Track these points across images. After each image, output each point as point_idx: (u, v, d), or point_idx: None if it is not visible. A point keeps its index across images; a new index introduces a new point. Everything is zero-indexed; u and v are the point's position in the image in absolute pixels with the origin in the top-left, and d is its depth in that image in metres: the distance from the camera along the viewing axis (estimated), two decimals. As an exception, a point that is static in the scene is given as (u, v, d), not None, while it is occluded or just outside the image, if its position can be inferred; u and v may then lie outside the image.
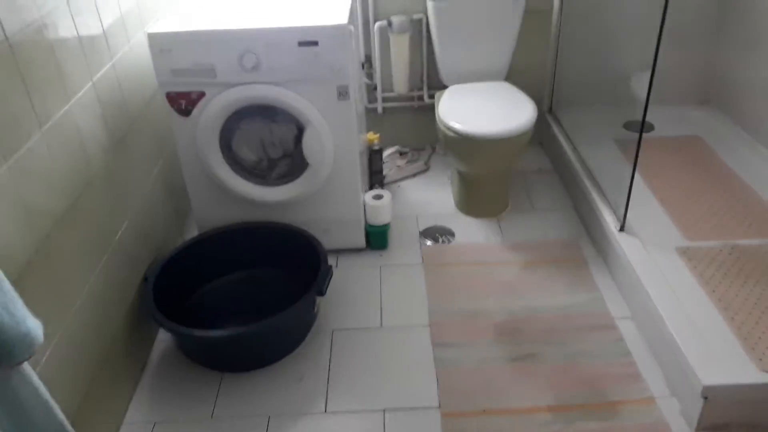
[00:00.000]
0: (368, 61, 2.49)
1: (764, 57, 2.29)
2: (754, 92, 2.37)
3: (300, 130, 1.83)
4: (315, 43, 1.71)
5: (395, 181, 2.49)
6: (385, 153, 2.52)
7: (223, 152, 1.84)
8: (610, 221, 1.92)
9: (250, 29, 1.70)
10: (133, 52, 1.75)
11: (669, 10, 2.37)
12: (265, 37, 1.70)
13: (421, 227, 2.22)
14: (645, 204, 2.11)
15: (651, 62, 1.71)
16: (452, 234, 2.18)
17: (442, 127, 2.11)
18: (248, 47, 1.70)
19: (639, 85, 2.12)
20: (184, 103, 1.78)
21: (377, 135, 2.31)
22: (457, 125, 2.04)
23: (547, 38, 2.52)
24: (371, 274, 2.01)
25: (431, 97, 2.54)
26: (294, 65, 1.73)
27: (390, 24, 2.35)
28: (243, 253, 1.92)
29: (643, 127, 1.77)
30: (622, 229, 1.87)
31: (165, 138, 1.99)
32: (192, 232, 2.10)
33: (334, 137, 1.85)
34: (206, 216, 1.99)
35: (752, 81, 2.38)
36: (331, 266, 1.75)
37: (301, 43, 1.71)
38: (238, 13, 1.86)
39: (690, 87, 2.69)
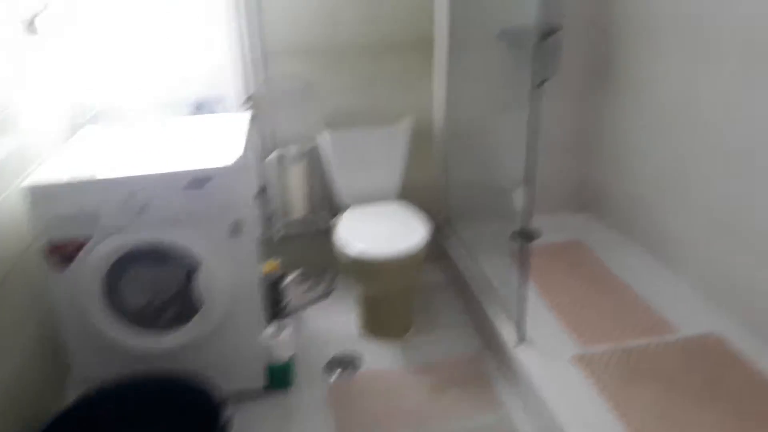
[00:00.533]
0: (264, 189, 2.51)
1: (628, 169, 2.56)
2: (623, 200, 2.62)
3: (192, 270, 1.78)
4: (206, 182, 1.70)
5: (299, 309, 2.46)
6: (287, 279, 2.50)
7: (107, 300, 1.74)
8: (508, 335, 1.97)
9: (137, 176, 1.67)
10: (7, 202, 1.66)
11: (546, 126, 2.61)
12: (152, 181, 1.68)
13: (327, 357, 2.17)
14: (539, 313, 2.19)
15: (529, 175, 1.85)
16: (359, 362, 2.14)
17: (339, 252, 2.14)
18: (134, 192, 1.66)
19: (521, 197, 2.27)
20: (63, 252, 1.68)
21: (277, 262, 2.29)
22: (351, 249, 2.07)
23: (435, 157, 2.68)
24: (274, 422, 1.90)
25: (330, 220, 2.58)
26: (183, 206, 1.70)
27: (285, 153, 2.42)
28: (128, 413, 1.73)
29: (529, 237, 1.88)
30: (520, 341, 1.93)
31: (41, 292, 1.84)
32: (75, 393, 1.90)
33: (228, 275, 1.81)
34: (90, 372, 1.82)
35: (621, 190, 2.63)
36: (227, 421, 1.62)
37: (191, 184, 1.70)
38: (123, 154, 1.83)
39: (569, 195, 2.94)
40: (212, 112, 2.32)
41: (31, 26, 1.90)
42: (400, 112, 2.52)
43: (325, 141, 2.37)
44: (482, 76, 2.55)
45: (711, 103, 2.04)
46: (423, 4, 2.41)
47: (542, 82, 2.38)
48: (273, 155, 2.44)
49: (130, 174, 1.68)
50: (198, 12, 2.26)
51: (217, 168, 1.70)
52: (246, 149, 1.87)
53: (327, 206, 2.59)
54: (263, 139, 2.44)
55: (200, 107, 2.31)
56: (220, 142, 1.87)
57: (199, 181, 1.70)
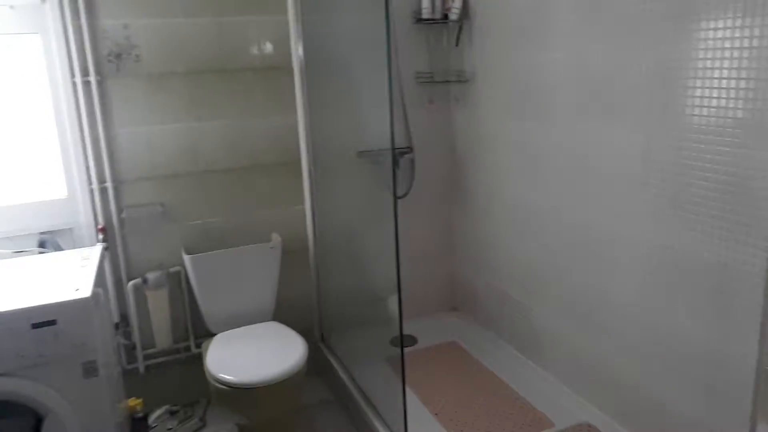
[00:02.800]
0: (124, 320, 2.34)
1: (492, 268, 2.73)
2: (490, 297, 2.77)
3: (39, 420, 1.57)
4: (53, 322, 1.56)
5: (167, 447, 2.23)
6: (153, 416, 2.28)
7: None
8: (393, 448, 1.93)
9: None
10: None
11: (413, 233, 2.73)
12: (-10, 323, 1.51)
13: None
14: (421, 420, 2.18)
15: (396, 283, 1.90)
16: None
17: (211, 380, 2.01)
18: (-35, 338, 1.48)
19: (394, 304, 2.32)
20: None
21: (140, 400, 2.09)
22: (226, 376, 1.96)
23: (307, 272, 2.68)
24: None
25: (198, 346, 2.44)
26: (28, 349, 1.53)
27: (145, 281, 2.30)
28: None
29: (404, 342, 1.91)
30: (405, 454, 1.89)
31: None
32: None
33: (81, 421, 1.62)
34: None
35: (487, 288, 2.79)
36: None
37: (36, 325, 1.54)
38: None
39: (443, 296, 3.05)
40: (59, 244, 2.17)
41: None
42: (270, 229, 2.53)
43: (187, 265, 2.29)
44: (348, 191, 2.66)
45: (544, 208, 2.28)
46: (287, 126, 2.51)
47: (400, 194, 2.54)
48: (132, 284, 2.30)
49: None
50: (45, 142, 2.18)
51: (66, 304, 1.57)
52: (98, 282, 1.76)
53: (195, 333, 2.46)
54: (121, 267, 2.31)
55: (48, 240, 2.16)
56: (70, 277, 1.74)
57: (46, 319, 1.55)
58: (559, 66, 2.10)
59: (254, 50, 2.41)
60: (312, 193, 2.59)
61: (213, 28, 2.32)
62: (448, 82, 2.77)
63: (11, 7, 2.06)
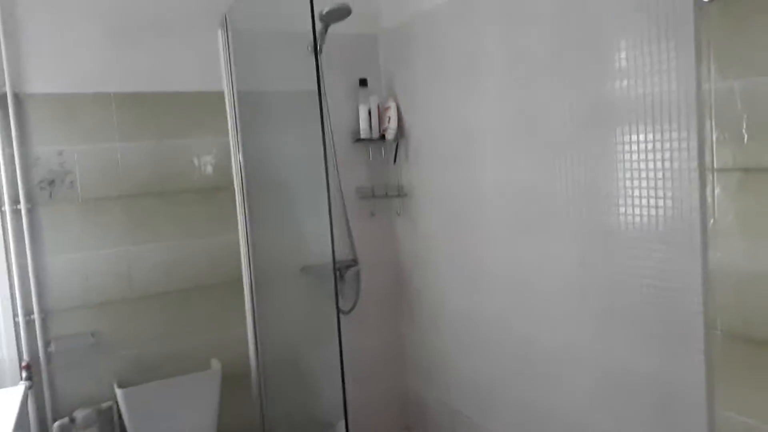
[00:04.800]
0: (46, 466, 2.12)
1: (443, 384, 2.65)
2: (444, 414, 2.67)
3: None
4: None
5: None
6: None
7: None
8: None
9: None
10: None
11: (360, 351, 2.65)
12: None
13: None
14: None
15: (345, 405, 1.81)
16: None
17: None
18: None
19: (342, 429, 2.20)
20: None
21: None
22: None
23: (250, 399, 2.54)
24: None
25: (131, 491, 2.22)
26: None
27: (73, 420, 2.11)
28: None
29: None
30: None
31: None
32: None
33: None
34: None
35: (440, 404, 2.69)
36: None
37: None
38: None
39: (392, 416, 2.92)
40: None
41: None
42: (210, 355, 2.42)
43: (120, 400, 2.13)
44: (292, 309, 2.61)
45: (487, 320, 2.28)
46: (228, 246, 2.48)
47: (346, 310, 2.50)
48: (57, 424, 2.11)
49: None
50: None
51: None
52: (18, 429, 1.60)
53: (128, 474, 2.24)
54: (46, 407, 2.12)
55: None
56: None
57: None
58: (490, 183, 2.19)
59: (194, 171, 2.42)
60: (254, 314, 2.52)
61: (152, 151, 2.33)
62: (388, 196, 2.84)
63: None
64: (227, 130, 2.48)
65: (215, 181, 2.46)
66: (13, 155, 2.10)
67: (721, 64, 1.37)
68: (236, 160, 2.50)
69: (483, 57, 2.15)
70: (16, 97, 2.11)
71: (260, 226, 2.54)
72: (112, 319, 2.26)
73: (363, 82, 2.77)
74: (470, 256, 2.35)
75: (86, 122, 2.22)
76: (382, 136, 2.75)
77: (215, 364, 2.34)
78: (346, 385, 1.89)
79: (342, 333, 1.95)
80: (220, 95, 2.47)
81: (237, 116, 2.49)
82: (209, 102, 2.45)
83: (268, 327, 2.53)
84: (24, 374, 2.05)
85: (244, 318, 2.53)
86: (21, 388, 1.89)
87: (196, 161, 2.42)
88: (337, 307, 2.28)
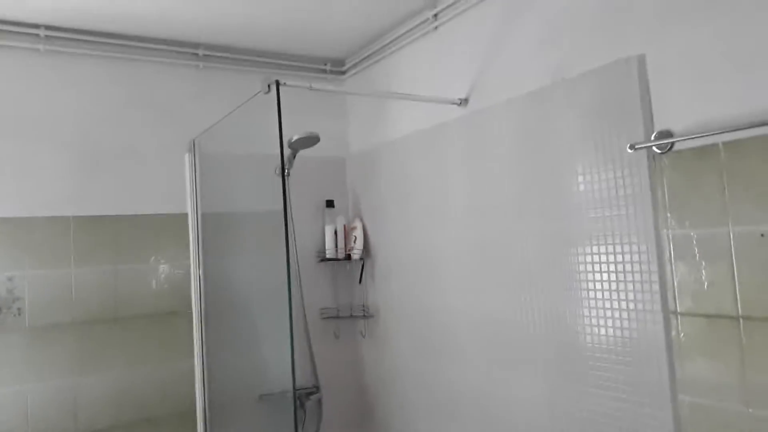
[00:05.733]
0: None
1: None
2: None
3: None
4: None
5: None
6: None
7: None
8: None
9: None
10: None
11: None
12: None
13: None
14: None
15: None
16: None
17: None
18: None
19: None
20: None
21: None
22: None
23: None
24: None
25: None
26: None
27: None
28: None
29: None
30: None
31: None
32: None
33: None
34: None
35: None
36: None
37: None
38: None
39: None
40: None
41: None
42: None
43: None
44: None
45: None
46: (182, 373, 2.36)
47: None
48: None
49: None
50: None
51: None
52: None
53: None
54: None
55: None
56: None
57: None
58: (457, 309, 2.17)
59: (152, 296, 2.34)
60: (209, 448, 2.35)
61: (107, 276, 2.26)
62: (353, 317, 2.78)
63: None
64: (187, 252, 2.43)
65: (173, 305, 2.38)
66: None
67: (679, 214, 1.43)
68: (196, 282, 2.43)
69: (447, 186, 2.21)
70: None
71: (217, 352, 2.43)
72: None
73: (330, 203, 2.80)
74: (440, 381, 2.28)
75: (41, 247, 2.15)
76: (348, 256, 2.74)
77: None
78: None
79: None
80: (184, 217, 2.44)
81: (200, 238, 2.45)
82: (172, 225, 2.42)
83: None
84: None
85: (196, 452, 2.35)
86: None
87: (154, 285, 2.35)
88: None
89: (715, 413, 1.36)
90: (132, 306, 2.29)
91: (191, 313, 2.41)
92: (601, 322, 1.62)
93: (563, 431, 1.74)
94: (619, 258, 1.56)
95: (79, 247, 2.21)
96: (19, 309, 2.08)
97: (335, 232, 2.74)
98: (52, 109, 2.22)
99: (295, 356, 2.01)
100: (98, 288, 2.23)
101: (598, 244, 1.62)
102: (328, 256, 2.73)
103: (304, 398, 2.53)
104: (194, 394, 2.37)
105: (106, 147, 2.31)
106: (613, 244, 1.58)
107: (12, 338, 2.06)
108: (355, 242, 2.73)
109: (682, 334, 1.43)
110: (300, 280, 2.59)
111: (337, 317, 2.78)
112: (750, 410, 1.30)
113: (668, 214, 1.45)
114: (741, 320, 1.31)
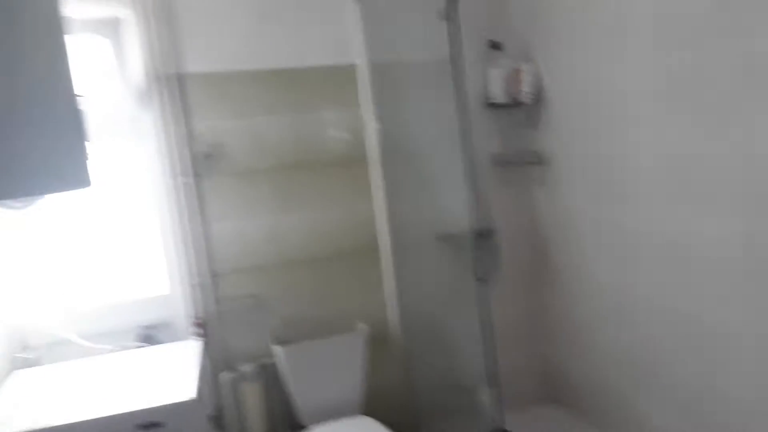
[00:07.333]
0: (219, 412, 2.36)
1: (588, 355, 2.58)
2: (588, 387, 2.60)
3: None
4: (160, 425, 1.59)
5: None
6: None
7: None
8: None
9: (81, 422, 1.55)
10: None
11: (499, 320, 2.63)
12: (99, 426, 1.55)
13: None
14: None
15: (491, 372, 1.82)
16: None
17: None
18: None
19: (487, 395, 2.22)
20: None
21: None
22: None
23: (395, 362, 2.63)
24: None
25: (291, 438, 2.42)
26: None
27: (239, 373, 2.32)
28: None
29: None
30: None
31: None
32: None
33: None
34: None
35: (585, 377, 2.63)
36: None
37: (141, 426, 1.58)
38: (63, 398, 1.71)
39: (535, 387, 2.89)
40: (159, 338, 2.25)
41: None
42: (354, 318, 2.54)
43: (279, 357, 2.31)
44: (429, 277, 2.65)
45: (638, 294, 2.18)
46: (365, 215, 2.57)
47: (485, 278, 2.51)
48: (227, 376, 2.33)
49: (73, 420, 1.55)
50: (142, 237, 2.32)
51: (174, 406, 1.61)
52: (201, 380, 1.79)
53: (288, 425, 2.44)
54: (215, 360, 2.36)
55: (148, 335, 2.24)
56: (172, 376, 1.80)
57: (152, 421, 1.58)
58: (642, 149, 2.07)
59: (331, 143, 2.52)
60: (395, 280, 2.59)
61: (291, 124, 2.46)
62: (526, 164, 2.77)
63: (119, 116, 2.26)
64: (359, 102, 2.54)
65: (351, 152, 2.55)
66: (178, 132, 2.29)
67: None
68: (370, 130, 2.55)
69: (631, 14, 2.01)
70: (179, 77, 2.29)
71: (395, 196, 2.59)
72: (267, 284, 2.45)
73: (495, 45, 2.69)
74: (620, 228, 2.25)
75: (235, 98, 2.38)
76: (516, 101, 2.68)
77: (361, 326, 2.45)
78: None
79: (481, 301, 1.96)
80: (351, 68, 2.52)
81: (370, 87, 2.53)
82: (341, 75, 2.52)
83: (407, 294, 2.60)
84: (197, 330, 2.27)
85: (382, 285, 2.62)
86: (198, 343, 2.10)
87: (331, 133, 2.51)
88: (476, 276, 2.30)
89: None
90: (314, 152, 2.49)
91: (367, 159, 2.57)
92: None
93: (760, 270, 1.65)
94: None
95: (263, 98, 2.41)
96: (225, 154, 2.36)
97: (502, 76, 2.66)
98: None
99: (470, 199, 2.08)
100: (284, 137, 2.45)
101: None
102: (494, 101, 2.68)
103: (479, 239, 2.65)
104: (375, 232, 2.59)
105: (278, 1, 2.40)
106: None
107: (223, 180, 2.38)
108: (524, 85, 2.64)
109: None
110: (470, 126, 2.60)
111: (508, 164, 2.78)
112: None
113: None
114: None
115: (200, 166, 2.34)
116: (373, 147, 2.56)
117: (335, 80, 2.51)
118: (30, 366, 2.04)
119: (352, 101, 2.54)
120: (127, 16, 2.24)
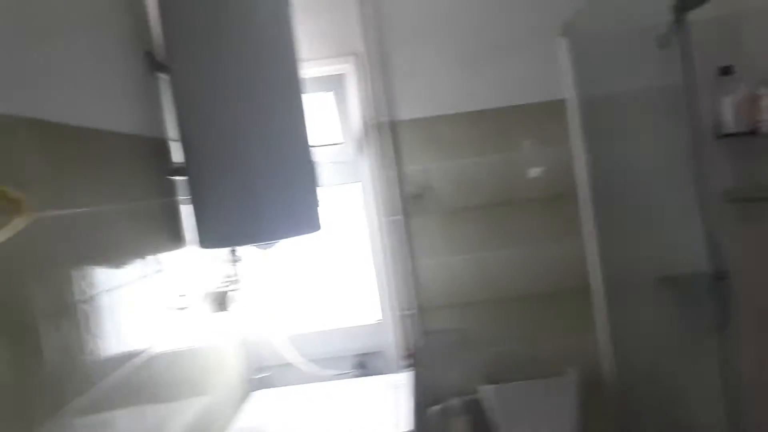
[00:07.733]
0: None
1: None
2: None
3: None
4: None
5: None
6: None
7: None
8: None
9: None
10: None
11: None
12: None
13: None
14: None
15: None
16: None
17: None
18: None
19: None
20: None
21: None
22: None
23: (605, 411, 2.43)
24: None
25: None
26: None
27: (448, 407, 2.34)
28: None
29: None
30: None
31: None
32: None
33: None
34: None
35: None
36: None
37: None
38: (297, 419, 1.86)
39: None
40: (372, 366, 2.36)
41: (221, 304, 2.11)
42: (562, 360, 2.41)
43: (488, 395, 2.27)
44: (648, 321, 2.42)
45: None
46: (574, 253, 2.46)
47: (721, 326, 2.21)
48: (436, 408, 2.36)
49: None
50: (358, 271, 2.48)
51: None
52: (416, 414, 1.83)
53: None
54: (422, 392, 2.40)
55: (361, 362, 2.37)
56: (387, 407, 1.87)
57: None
58: None
59: (537, 180, 2.47)
60: (608, 324, 2.41)
61: (498, 163, 2.47)
62: (765, 200, 2.41)
63: (339, 162, 2.50)
64: (568, 137, 2.47)
65: (558, 189, 2.47)
66: (389, 175, 2.46)
67: None
68: (580, 166, 2.45)
69: None
70: (392, 124, 2.47)
71: (608, 234, 2.44)
72: (471, 318, 2.45)
73: (725, 70, 2.44)
74: None
75: (444, 141, 2.47)
76: (753, 130, 2.37)
77: (571, 372, 2.32)
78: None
79: (723, 353, 1.72)
80: (560, 103, 2.47)
81: (579, 122, 2.45)
82: (549, 111, 2.47)
83: (623, 338, 2.39)
84: (406, 361, 2.35)
85: (593, 327, 2.45)
86: (408, 374, 2.16)
87: (537, 170, 2.47)
88: (713, 323, 2.04)
89: None
90: (521, 190, 2.47)
91: (576, 195, 2.46)
92: None
93: None
94: None
95: (470, 139, 2.47)
96: (433, 194, 2.45)
97: (736, 103, 2.38)
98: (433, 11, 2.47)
99: (699, 240, 1.88)
100: (491, 175, 2.47)
101: None
102: (727, 131, 2.40)
103: (710, 283, 2.35)
104: (586, 272, 2.45)
105: (483, 43, 2.47)
106: None
107: (432, 219, 2.47)
108: (764, 113, 2.33)
109: None
110: (700, 159, 2.36)
111: (746, 200, 2.45)
112: None
113: None
114: None
115: (410, 205, 2.46)
116: (582, 183, 2.46)
117: (542, 117, 2.48)
118: (264, 388, 2.28)
119: (560, 137, 2.47)
120: (349, 71, 2.49)
